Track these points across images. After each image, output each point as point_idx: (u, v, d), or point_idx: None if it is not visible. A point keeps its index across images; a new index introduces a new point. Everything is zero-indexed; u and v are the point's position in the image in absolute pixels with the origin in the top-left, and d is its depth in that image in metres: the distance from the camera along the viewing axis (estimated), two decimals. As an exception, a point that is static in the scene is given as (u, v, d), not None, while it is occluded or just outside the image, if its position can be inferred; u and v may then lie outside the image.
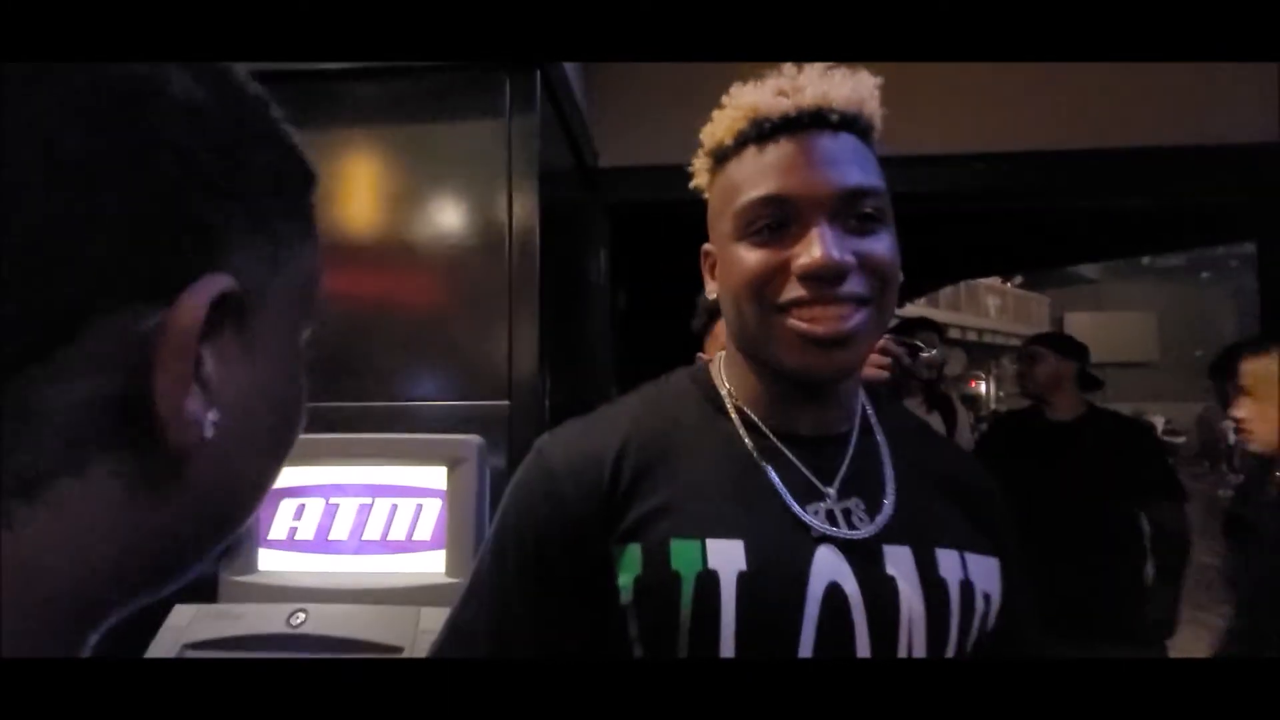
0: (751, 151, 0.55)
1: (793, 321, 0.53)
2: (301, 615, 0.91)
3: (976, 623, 0.56)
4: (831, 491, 0.57)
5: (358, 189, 1.19)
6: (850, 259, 0.52)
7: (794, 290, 0.53)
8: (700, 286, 0.65)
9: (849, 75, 0.56)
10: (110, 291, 0.22)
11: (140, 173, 0.23)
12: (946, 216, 2.57)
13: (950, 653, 0.54)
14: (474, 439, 1.01)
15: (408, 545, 0.98)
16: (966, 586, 0.56)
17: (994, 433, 2.27)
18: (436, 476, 0.99)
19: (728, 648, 0.51)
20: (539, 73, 1.17)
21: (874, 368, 0.86)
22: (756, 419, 0.59)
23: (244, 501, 0.30)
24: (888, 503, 0.57)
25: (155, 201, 0.23)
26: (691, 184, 0.62)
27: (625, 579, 0.53)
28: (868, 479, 0.59)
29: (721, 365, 0.64)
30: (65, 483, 0.23)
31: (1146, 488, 1.89)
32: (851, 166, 0.54)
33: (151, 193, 0.23)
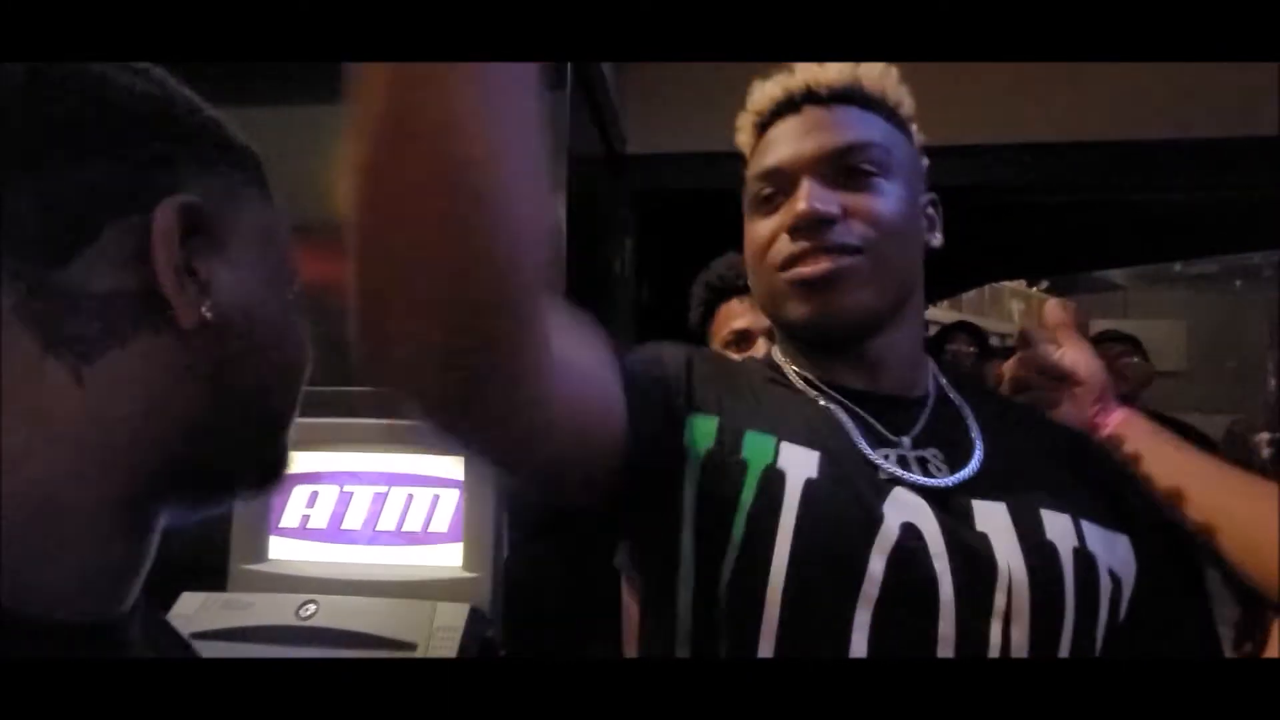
0: (761, 141, 0.59)
1: (787, 275, 0.55)
2: (312, 607, 0.88)
3: (1104, 605, 0.49)
4: (906, 440, 0.55)
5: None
6: (834, 209, 0.53)
7: (787, 247, 0.54)
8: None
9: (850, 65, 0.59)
10: (112, 206, 0.32)
11: (119, 129, 0.33)
12: (973, 213, 2.51)
13: (1069, 635, 0.47)
14: (494, 429, 0.97)
15: (424, 537, 0.95)
16: (1084, 556, 0.49)
17: None
18: (453, 465, 0.96)
19: (781, 555, 0.47)
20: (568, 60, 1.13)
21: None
22: (813, 377, 0.59)
23: (259, 406, 0.38)
24: (976, 457, 0.54)
25: (131, 144, 0.34)
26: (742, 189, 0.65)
27: (695, 449, 0.51)
28: (951, 435, 0.56)
29: (774, 346, 0.65)
30: (114, 353, 0.32)
31: None
32: (840, 128, 0.55)
33: (128, 139, 0.34)
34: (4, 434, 0.29)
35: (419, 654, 0.83)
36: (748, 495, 0.49)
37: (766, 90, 0.59)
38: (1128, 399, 1.95)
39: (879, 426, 0.55)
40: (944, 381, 0.61)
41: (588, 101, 1.29)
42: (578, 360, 0.45)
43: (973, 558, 0.47)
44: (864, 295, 0.53)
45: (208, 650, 0.84)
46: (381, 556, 0.95)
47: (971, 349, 1.91)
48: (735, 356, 0.70)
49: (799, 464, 0.50)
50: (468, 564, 0.92)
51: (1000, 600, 0.47)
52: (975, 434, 0.56)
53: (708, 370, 0.57)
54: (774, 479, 0.49)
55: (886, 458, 0.52)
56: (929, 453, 0.54)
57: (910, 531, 0.47)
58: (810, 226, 0.53)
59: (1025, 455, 0.56)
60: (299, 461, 0.98)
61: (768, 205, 0.57)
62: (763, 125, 0.59)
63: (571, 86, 1.14)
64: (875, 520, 0.47)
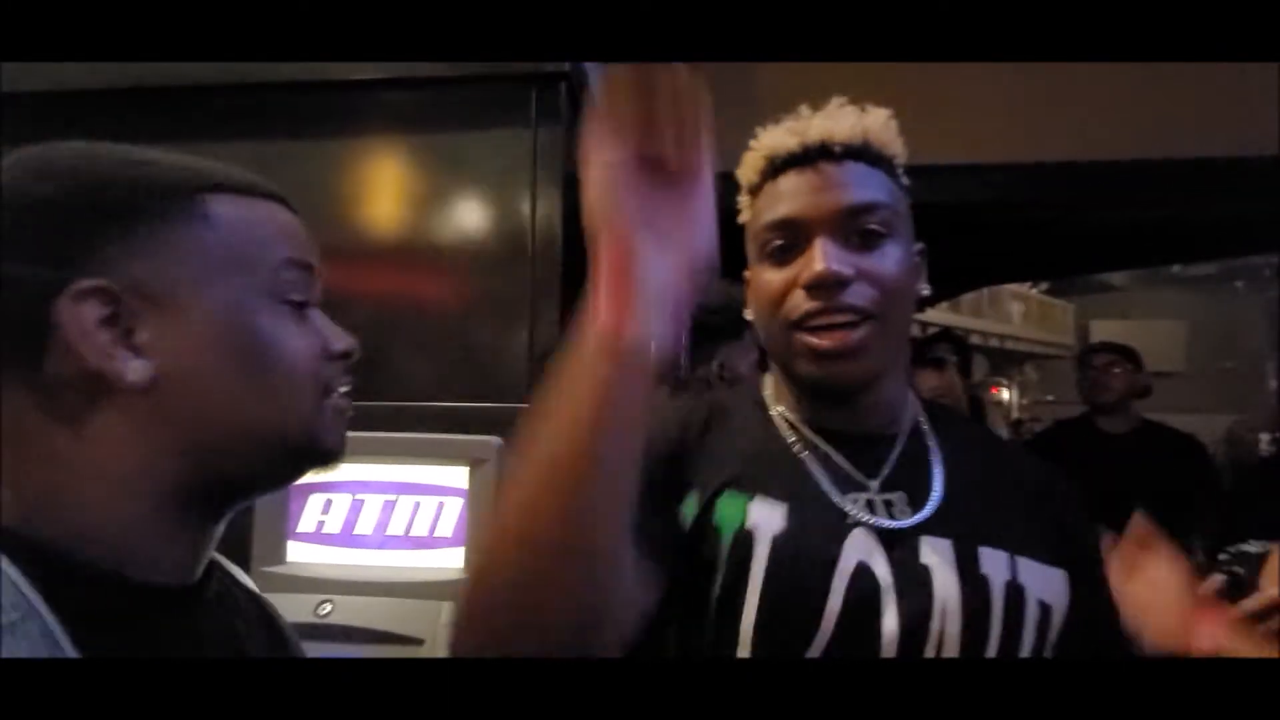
0: (769, 185, 0.62)
1: (803, 336, 0.58)
2: (328, 606, 0.95)
3: (1030, 632, 0.55)
4: (874, 484, 0.59)
5: (387, 195, 1.23)
6: (849, 271, 0.56)
7: (803, 304, 0.57)
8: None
9: (857, 112, 0.61)
10: (35, 304, 0.37)
11: (18, 237, 0.38)
12: (970, 223, 2.56)
13: (994, 656, 0.54)
14: (495, 440, 1.04)
15: (430, 541, 1.02)
16: (1014, 589, 0.55)
17: (1043, 443, 2.21)
18: (458, 476, 1.03)
19: (751, 610, 0.53)
20: (564, 85, 1.19)
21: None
22: (796, 420, 0.63)
23: (250, 423, 0.41)
24: (934, 497, 0.59)
25: (28, 246, 0.37)
26: (740, 219, 0.66)
27: (684, 522, 0.56)
28: (915, 476, 0.60)
29: (767, 380, 0.69)
30: (99, 415, 0.38)
31: (1200, 506, 1.80)
32: (852, 188, 0.58)
33: (28, 243, 0.38)
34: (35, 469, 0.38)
35: (427, 649, 0.90)
36: (721, 559, 0.54)
37: (779, 138, 0.61)
38: (1114, 406, 1.96)
39: (851, 470, 0.60)
40: (921, 419, 0.65)
41: (583, 124, 1.36)
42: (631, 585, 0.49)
43: (915, 592, 0.54)
44: (871, 360, 0.58)
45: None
46: (391, 559, 1.02)
47: (953, 358, 1.94)
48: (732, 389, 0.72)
49: (767, 520, 0.55)
50: (470, 566, 0.99)
51: (935, 627, 0.53)
52: (937, 471, 0.61)
53: (688, 443, 0.61)
54: (743, 541, 0.54)
55: (855, 502, 0.57)
56: (895, 495, 0.59)
57: (864, 571, 0.54)
58: (827, 287, 0.56)
59: (980, 492, 0.60)
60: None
61: (781, 257, 0.59)
62: (773, 171, 0.61)
63: (568, 113, 1.20)
64: (833, 563, 0.53)
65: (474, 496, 1.02)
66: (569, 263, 1.18)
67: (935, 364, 1.94)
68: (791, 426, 0.63)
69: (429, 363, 1.18)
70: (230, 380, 0.40)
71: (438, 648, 0.89)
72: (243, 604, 0.48)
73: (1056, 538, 0.60)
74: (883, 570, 0.54)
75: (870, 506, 0.58)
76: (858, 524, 0.56)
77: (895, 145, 0.62)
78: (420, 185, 1.23)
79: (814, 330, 0.57)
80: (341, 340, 0.45)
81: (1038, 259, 3.79)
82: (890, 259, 0.58)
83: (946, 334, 2.30)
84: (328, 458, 0.45)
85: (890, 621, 0.53)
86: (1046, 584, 0.57)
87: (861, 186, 0.59)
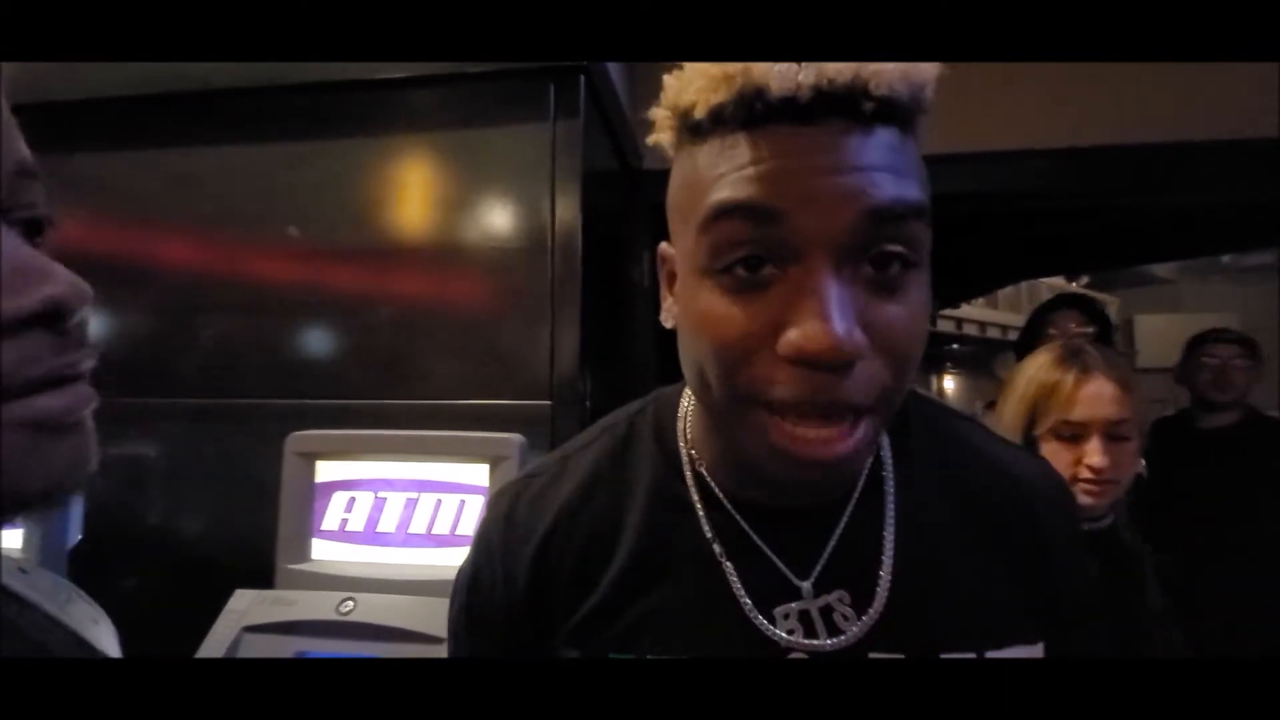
0: (731, 138, 0.38)
1: (776, 423, 0.38)
2: (350, 603, 0.95)
3: None
4: (808, 586, 0.45)
5: (405, 194, 1.24)
6: (860, 339, 0.36)
7: (779, 380, 0.37)
8: None
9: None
10: None
11: None
12: (1005, 214, 2.48)
13: None
14: (516, 438, 1.03)
15: (451, 539, 1.02)
16: None
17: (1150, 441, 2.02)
18: (479, 474, 1.02)
19: None
20: (583, 78, 1.18)
21: None
22: (719, 491, 0.47)
23: None
24: (881, 592, 0.44)
25: None
26: (650, 139, 0.45)
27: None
28: (860, 559, 0.46)
29: (687, 413, 0.50)
30: None
31: None
32: (883, 176, 0.36)
33: None
34: None
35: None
36: None
37: (769, 67, 0.36)
38: (1230, 404, 1.78)
39: (780, 565, 0.45)
40: (884, 452, 0.49)
41: (602, 119, 1.35)
42: None
43: None
44: (859, 461, 0.40)
45: (260, 640, 0.92)
46: (413, 557, 1.02)
47: (1089, 328, 1.58)
48: (640, 421, 0.52)
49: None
50: (492, 564, 0.98)
51: None
52: (889, 546, 0.46)
53: (573, 543, 0.47)
54: None
55: (787, 616, 0.44)
56: (835, 597, 0.45)
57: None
58: (826, 367, 0.36)
59: (943, 566, 0.46)
60: (339, 470, 1.05)
61: (743, 276, 0.37)
62: (746, 118, 0.37)
63: (586, 107, 1.20)
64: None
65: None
66: (588, 258, 1.17)
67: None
68: (709, 503, 0.47)
69: (449, 360, 1.18)
70: None
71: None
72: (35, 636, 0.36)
73: (1038, 600, 0.47)
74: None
75: (805, 619, 0.44)
76: (790, 650, 0.44)
77: (931, 88, 0.39)
78: (438, 183, 1.23)
79: (794, 421, 0.38)
80: (39, 290, 0.25)
81: (1079, 251, 3.67)
82: (913, 309, 0.38)
83: (1074, 299, 1.73)
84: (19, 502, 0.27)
85: None
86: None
87: (895, 174, 0.36)
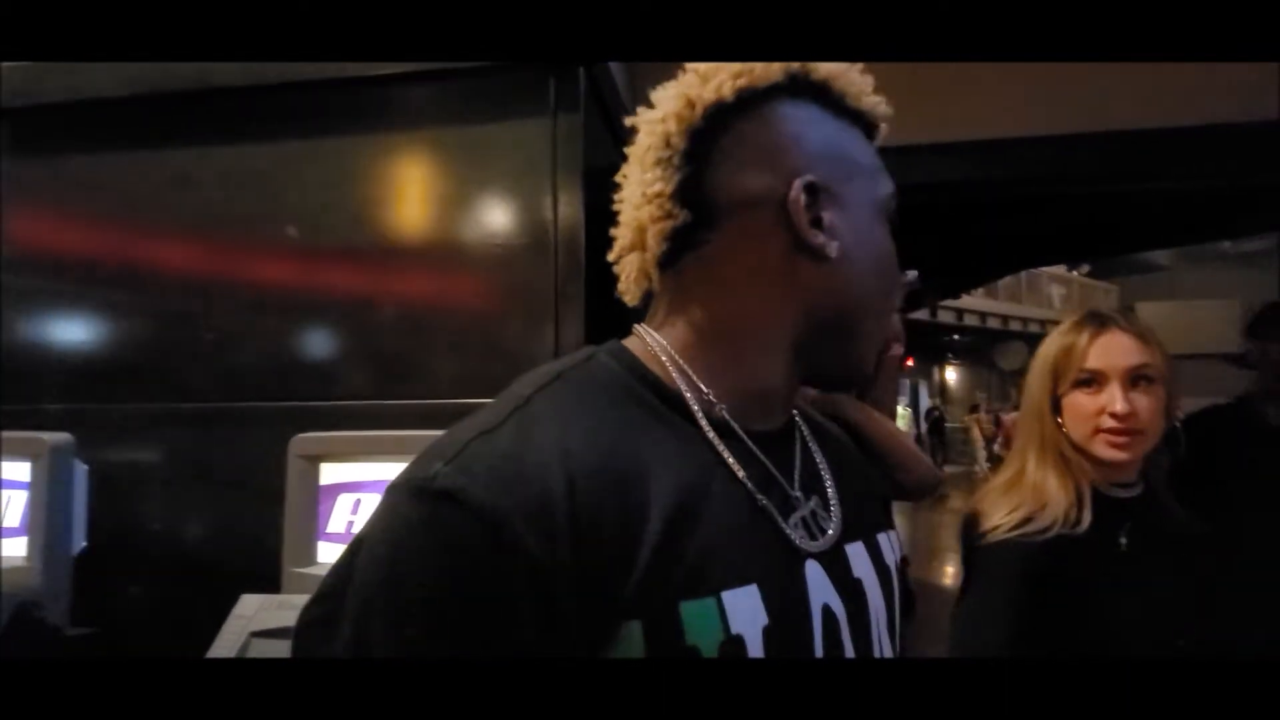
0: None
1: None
2: (359, 607, 0.94)
3: (899, 600, 0.56)
4: (799, 495, 0.51)
5: (406, 191, 1.23)
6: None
7: None
8: None
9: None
10: None
11: None
12: (1006, 203, 2.47)
13: (896, 636, 0.55)
14: (521, 436, 1.02)
15: (459, 540, 1.01)
16: (899, 566, 0.57)
17: (1195, 432, 1.60)
18: (485, 473, 1.01)
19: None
20: (583, 73, 1.17)
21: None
22: (728, 417, 0.49)
23: None
24: (831, 495, 0.53)
25: None
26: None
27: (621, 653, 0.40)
28: (812, 472, 0.54)
29: (679, 349, 0.50)
30: None
31: None
32: None
33: None
34: None
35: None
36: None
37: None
38: None
39: (781, 480, 0.50)
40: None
41: (602, 114, 1.34)
42: None
43: (860, 612, 0.51)
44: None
45: (268, 645, 0.91)
46: (421, 559, 1.01)
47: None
48: (584, 372, 0.51)
49: (751, 617, 0.43)
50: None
51: (874, 635, 0.52)
52: (821, 463, 0.55)
53: (590, 498, 0.40)
54: (731, 649, 0.41)
55: (797, 526, 0.49)
56: (812, 504, 0.51)
57: (830, 618, 0.48)
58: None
59: (848, 474, 0.56)
60: (343, 472, 1.04)
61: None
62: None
63: (587, 103, 1.19)
64: (810, 625, 0.47)
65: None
66: (592, 255, 1.17)
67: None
68: (718, 429, 0.48)
69: (452, 360, 1.17)
70: None
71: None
72: None
73: (884, 500, 0.60)
74: (838, 605, 0.49)
75: (806, 526, 0.50)
76: (808, 556, 0.48)
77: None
78: (438, 180, 1.22)
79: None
80: None
81: (1077, 240, 3.67)
82: None
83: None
84: None
85: (848, 649, 0.50)
86: (896, 549, 0.59)
87: None
